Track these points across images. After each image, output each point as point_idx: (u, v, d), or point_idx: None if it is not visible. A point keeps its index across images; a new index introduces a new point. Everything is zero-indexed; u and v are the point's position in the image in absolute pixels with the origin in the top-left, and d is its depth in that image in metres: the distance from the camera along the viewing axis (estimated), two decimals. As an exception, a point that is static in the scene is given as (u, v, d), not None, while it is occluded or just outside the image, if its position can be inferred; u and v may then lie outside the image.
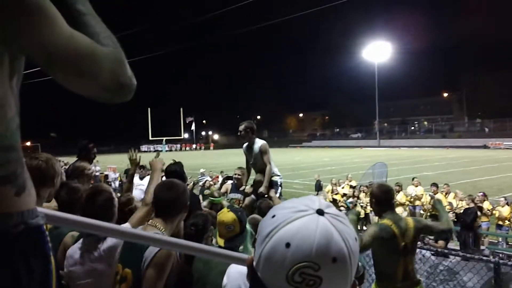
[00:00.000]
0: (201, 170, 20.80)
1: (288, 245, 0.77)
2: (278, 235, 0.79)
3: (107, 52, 1.08)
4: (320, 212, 0.81)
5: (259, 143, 6.00)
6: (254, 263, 0.84)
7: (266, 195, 5.81)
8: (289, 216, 0.81)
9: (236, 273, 2.04)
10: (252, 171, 6.39)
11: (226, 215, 2.88)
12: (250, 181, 6.50)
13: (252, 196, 5.99)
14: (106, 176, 23.39)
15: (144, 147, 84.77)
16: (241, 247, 2.97)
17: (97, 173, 23.17)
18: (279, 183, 6.08)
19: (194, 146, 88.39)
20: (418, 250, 6.06)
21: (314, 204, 0.83)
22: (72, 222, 1.44)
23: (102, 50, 1.07)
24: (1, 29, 0.94)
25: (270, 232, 0.81)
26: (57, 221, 1.40)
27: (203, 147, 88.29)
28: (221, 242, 2.86)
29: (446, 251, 5.70)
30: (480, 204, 11.50)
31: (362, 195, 13.99)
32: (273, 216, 0.83)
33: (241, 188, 6.34)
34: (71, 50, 1.01)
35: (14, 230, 1.01)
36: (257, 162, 6.07)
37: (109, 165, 26.59)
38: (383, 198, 3.93)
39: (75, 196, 3.26)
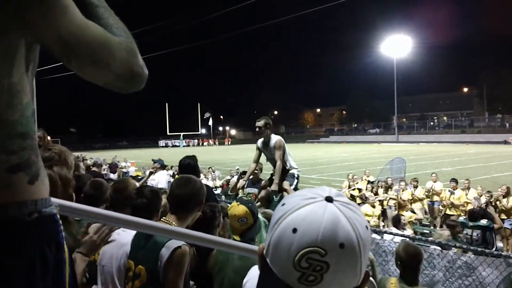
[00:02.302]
0: (236, 167, 19.46)
1: (295, 230, 0.76)
2: (286, 221, 0.79)
3: (120, 41, 1.10)
4: (329, 199, 0.80)
5: (274, 139, 6.01)
6: (264, 251, 0.84)
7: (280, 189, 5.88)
8: (298, 203, 0.80)
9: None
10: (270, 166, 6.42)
11: (237, 209, 2.79)
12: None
13: (269, 188, 6.03)
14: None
15: (161, 142, 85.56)
16: (256, 239, 2.94)
17: (124, 170, 23.49)
18: (295, 175, 6.10)
19: (210, 141, 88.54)
20: (437, 244, 6.02)
21: (324, 192, 0.82)
22: (86, 213, 1.45)
23: (115, 40, 1.08)
24: (16, 18, 0.96)
25: (279, 219, 0.81)
26: (71, 211, 1.41)
27: (217, 143, 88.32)
28: (237, 238, 2.79)
29: (464, 246, 5.62)
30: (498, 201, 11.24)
31: (380, 190, 13.86)
32: (283, 204, 0.83)
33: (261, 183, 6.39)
34: (86, 39, 1.02)
35: (28, 218, 1.02)
36: (274, 157, 6.10)
37: (128, 160, 26.83)
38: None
39: (101, 190, 3.31)
